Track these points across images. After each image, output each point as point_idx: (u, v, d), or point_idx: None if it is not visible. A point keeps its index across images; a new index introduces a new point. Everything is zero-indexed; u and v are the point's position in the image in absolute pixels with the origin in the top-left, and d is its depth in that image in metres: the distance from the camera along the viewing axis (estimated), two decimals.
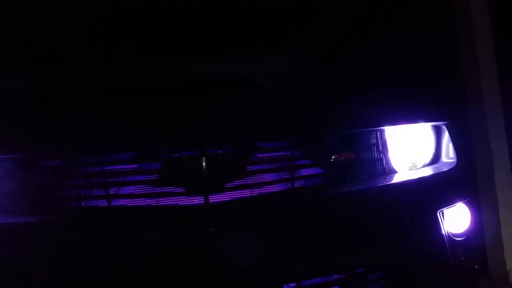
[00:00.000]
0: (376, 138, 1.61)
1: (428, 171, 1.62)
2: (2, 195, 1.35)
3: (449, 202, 1.55)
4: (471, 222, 1.60)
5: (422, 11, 2.89)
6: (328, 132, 1.55)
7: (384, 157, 1.61)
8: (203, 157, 1.32)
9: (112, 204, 1.37)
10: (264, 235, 1.31)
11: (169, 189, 1.35)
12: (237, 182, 1.38)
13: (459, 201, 1.59)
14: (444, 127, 1.68)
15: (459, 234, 1.56)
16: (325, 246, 1.37)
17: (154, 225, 1.28)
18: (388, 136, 1.62)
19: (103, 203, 1.37)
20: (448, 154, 1.69)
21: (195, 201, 1.39)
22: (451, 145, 1.67)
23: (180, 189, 1.34)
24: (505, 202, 2.28)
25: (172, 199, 1.41)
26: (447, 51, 2.60)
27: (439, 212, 1.51)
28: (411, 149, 1.66)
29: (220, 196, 1.38)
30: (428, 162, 1.69)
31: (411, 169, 1.64)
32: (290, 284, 1.39)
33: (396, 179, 1.55)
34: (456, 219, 1.57)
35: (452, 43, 2.49)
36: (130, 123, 1.47)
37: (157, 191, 1.36)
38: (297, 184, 1.49)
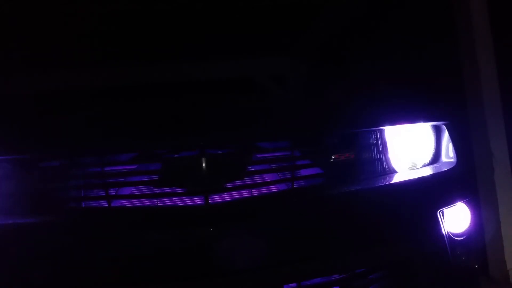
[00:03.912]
0: (376, 138, 1.61)
1: (428, 171, 1.62)
2: (3, 196, 1.35)
3: (449, 202, 1.55)
4: (471, 222, 1.60)
5: (422, 11, 2.89)
6: (328, 132, 1.56)
7: (384, 157, 1.61)
8: (203, 158, 1.32)
9: (112, 204, 1.37)
10: (264, 235, 1.31)
11: (169, 189, 1.35)
12: (237, 183, 1.38)
13: (459, 201, 1.59)
14: (444, 127, 1.68)
15: (459, 234, 1.56)
16: (325, 246, 1.37)
17: (154, 226, 1.28)
18: (388, 136, 1.62)
19: (103, 203, 1.37)
20: (448, 154, 1.69)
21: (195, 202, 1.39)
22: (451, 144, 1.67)
23: (180, 190, 1.34)
24: (505, 202, 2.28)
25: (172, 199, 1.41)
26: (447, 51, 2.60)
27: (439, 212, 1.51)
28: (411, 149, 1.66)
29: (220, 197, 1.39)
30: (428, 162, 1.69)
31: (411, 169, 1.65)
32: (290, 284, 1.39)
33: (396, 179, 1.55)
34: (456, 219, 1.57)
35: (452, 42, 2.49)
36: (130, 123, 1.47)
37: (157, 191, 1.36)
38: (297, 184, 1.49)
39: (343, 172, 1.52)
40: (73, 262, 1.25)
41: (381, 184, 1.52)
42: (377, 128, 1.59)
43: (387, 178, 1.56)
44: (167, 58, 2.76)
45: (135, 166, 1.45)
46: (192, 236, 1.26)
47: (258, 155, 1.46)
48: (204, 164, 1.31)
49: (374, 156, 1.60)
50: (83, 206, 1.41)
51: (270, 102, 2.05)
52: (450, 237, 1.52)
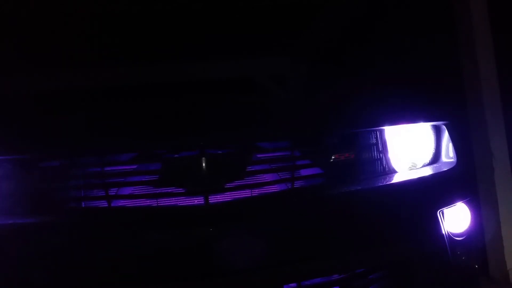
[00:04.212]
0: (376, 138, 1.61)
1: (428, 171, 1.62)
2: (3, 196, 1.35)
3: (449, 202, 1.55)
4: (471, 221, 1.60)
5: (422, 11, 2.89)
6: (328, 132, 1.55)
7: (384, 157, 1.61)
8: (203, 158, 1.32)
9: (112, 204, 1.37)
10: (264, 235, 1.31)
11: (169, 189, 1.35)
12: (237, 183, 1.38)
13: (459, 201, 1.59)
14: (444, 127, 1.68)
15: (459, 234, 1.56)
16: (325, 246, 1.37)
17: (154, 226, 1.28)
18: (388, 136, 1.62)
19: (103, 203, 1.37)
20: (448, 154, 1.69)
21: (195, 202, 1.39)
22: (451, 144, 1.67)
23: (180, 190, 1.34)
24: (505, 202, 2.28)
25: (172, 199, 1.41)
26: (447, 51, 2.60)
27: (439, 212, 1.51)
28: (411, 149, 1.66)
29: (220, 197, 1.38)
30: (428, 162, 1.69)
31: (411, 169, 1.65)
32: (290, 284, 1.39)
33: (396, 179, 1.55)
34: (456, 218, 1.57)
35: (452, 42, 2.49)
36: (130, 123, 1.47)
37: (157, 191, 1.36)
38: (297, 184, 1.49)
39: (343, 172, 1.52)
40: (73, 262, 1.25)
41: (381, 184, 1.52)
42: (377, 128, 1.59)
43: (387, 178, 1.56)
44: (167, 58, 2.76)
45: (135, 166, 1.45)
46: (192, 236, 1.26)
47: (258, 155, 1.46)
48: (204, 164, 1.31)
49: (374, 156, 1.60)
50: (83, 206, 1.41)
51: (270, 102, 2.05)
52: (450, 237, 1.52)
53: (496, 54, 2.34)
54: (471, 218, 1.61)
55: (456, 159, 1.64)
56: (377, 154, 1.61)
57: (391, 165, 1.61)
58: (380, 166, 1.61)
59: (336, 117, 1.58)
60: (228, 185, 1.36)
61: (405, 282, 1.48)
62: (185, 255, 1.25)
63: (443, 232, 1.50)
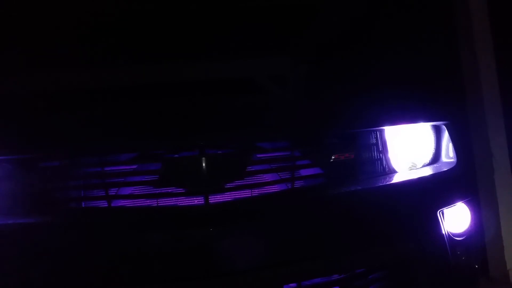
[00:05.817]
0: (376, 138, 1.61)
1: (428, 171, 1.62)
2: (3, 196, 1.35)
3: (449, 202, 1.55)
4: (471, 221, 1.60)
5: (422, 11, 2.89)
6: (328, 132, 1.56)
7: (384, 157, 1.61)
8: (203, 158, 1.32)
9: (112, 204, 1.37)
10: (264, 235, 1.31)
11: (169, 189, 1.35)
12: (237, 183, 1.38)
13: (459, 201, 1.59)
14: (444, 127, 1.68)
15: (459, 234, 1.56)
16: (325, 246, 1.37)
17: (154, 226, 1.28)
18: (388, 136, 1.62)
19: (103, 203, 1.37)
20: (448, 154, 1.69)
21: (195, 202, 1.39)
22: (451, 145, 1.67)
23: (180, 190, 1.34)
24: (505, 202, 2.28)
25: (172, 199, 1.41)
26: (447, 50, 2.60)
27: (439, 212, 1.51)
28: (411, 149, 1.66)
29: (220, 197, 1.38)
30: (428, 162, 1.69)
31: (411, 169, 1.65)
32: (290, 284, 1.39)
33: (396, 179, 1.55)
34: (456, 218, 1.57)
35: (452, 42, 2.49)
36: (130, 123, 1.47)
37: (157, 191, 1.36)
38: (297, 184, 1.49)
39: (343, 172, 1.52)
40: (73, 262, 1.25)
41: (381, 184, 1.52)
42: (377, 128, 1.59)
43: (387, 178, 1.56)
44: (168, 58, 2.76)
45: (135, 166, 1.45)
46: (192, 236, 1.26)
47: (258, 155, 1.46)
48: (204, 164, 1.31)
49: (374, 156, 1.60)
50: (83, 206, 1.41)
51: (270, 102, 2.05)
52: (450, 237, 1.52)
53: (496, 54, 2.34)
54: (471, 218, 1.61)
55: (456, 159, 1.64)
56: (377, 154, 1.61)
57: (391, 165, 1.61)
58: (380, 166, 1.61)
59: (336, 117, 1.58)
60: (228, 185, 1.36)
61: (405, 282, 1.48)
62: (185, 255, 1.25)
63: (443, 232, 1.50)
